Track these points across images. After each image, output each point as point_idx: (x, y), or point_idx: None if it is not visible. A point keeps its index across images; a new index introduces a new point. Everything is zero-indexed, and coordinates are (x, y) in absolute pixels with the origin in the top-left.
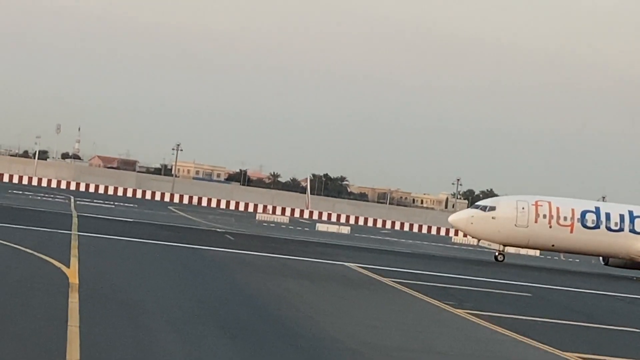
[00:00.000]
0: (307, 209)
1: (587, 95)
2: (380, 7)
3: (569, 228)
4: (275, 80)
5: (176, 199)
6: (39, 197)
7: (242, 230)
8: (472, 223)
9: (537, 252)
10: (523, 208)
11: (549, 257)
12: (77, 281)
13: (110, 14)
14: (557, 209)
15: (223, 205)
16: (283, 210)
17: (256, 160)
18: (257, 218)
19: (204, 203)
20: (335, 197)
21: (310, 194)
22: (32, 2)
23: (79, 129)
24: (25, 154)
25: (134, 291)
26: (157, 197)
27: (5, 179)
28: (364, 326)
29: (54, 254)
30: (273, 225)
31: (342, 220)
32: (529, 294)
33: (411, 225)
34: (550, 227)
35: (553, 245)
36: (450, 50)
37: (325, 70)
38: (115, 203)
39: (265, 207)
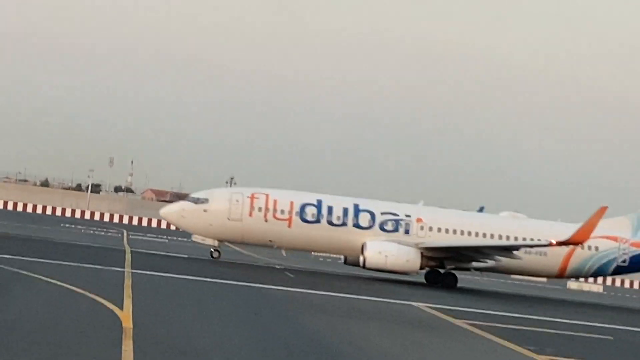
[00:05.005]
0: None
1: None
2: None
3: (287, 222)
4: (323, 113)
5: None
6: (92, 231)
7: (301, 266)
8: (183, 216)
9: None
10: (237, 200)
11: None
12: (131, 325)
13: (161, 48)
14: (275, 201)
15: None
16: None
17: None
18: (312, 252)
19: None
20: None
21: None
22: (82, 34)
23: (132, 162)
24: (78, 187)
25: (194, 338)
26: None
27: (58, 212)
28: None
29: (106, 294)
30: (329, 260)
31: None
32: (611, 337)
33: None
34: (267, 220)
35: (271, 241)
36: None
37: (372, 97)
38: (169, 237)
39: None
